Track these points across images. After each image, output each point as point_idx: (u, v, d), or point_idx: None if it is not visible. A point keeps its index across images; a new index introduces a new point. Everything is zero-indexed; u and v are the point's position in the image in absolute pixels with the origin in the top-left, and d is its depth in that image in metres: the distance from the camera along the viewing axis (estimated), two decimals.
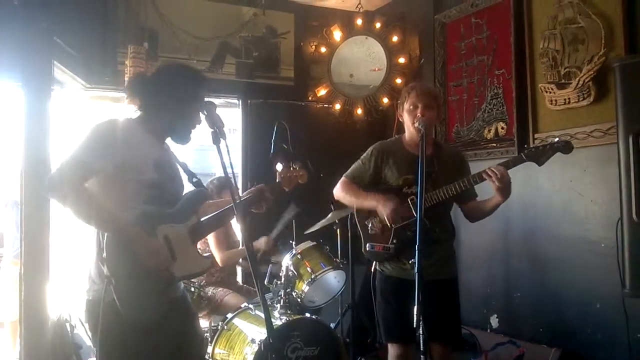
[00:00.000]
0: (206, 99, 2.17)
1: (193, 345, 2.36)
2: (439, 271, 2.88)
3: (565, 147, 2.71)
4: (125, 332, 2.04)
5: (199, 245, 3.99)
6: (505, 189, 2.69)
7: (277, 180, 2.69)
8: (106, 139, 2.08)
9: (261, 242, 4.02)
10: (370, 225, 3.02)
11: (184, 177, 2.39)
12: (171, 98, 2.20)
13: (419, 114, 2.84)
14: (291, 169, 2.72)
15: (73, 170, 2.01)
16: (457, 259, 3.09)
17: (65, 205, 2.01)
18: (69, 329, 3.65)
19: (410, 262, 2.78)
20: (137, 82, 2.36)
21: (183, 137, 2.30)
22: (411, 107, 2.89)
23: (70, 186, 1.98)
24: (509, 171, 2.71)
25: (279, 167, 2.73)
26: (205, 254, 2.43)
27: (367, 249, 3.04)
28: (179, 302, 2.29)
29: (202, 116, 2.11)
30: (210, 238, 3.97)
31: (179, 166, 2.38)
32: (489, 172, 2.68)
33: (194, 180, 2.38)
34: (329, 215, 3.90)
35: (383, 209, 2.88)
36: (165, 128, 2.27)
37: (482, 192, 2.95)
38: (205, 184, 2.61)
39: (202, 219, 2.31)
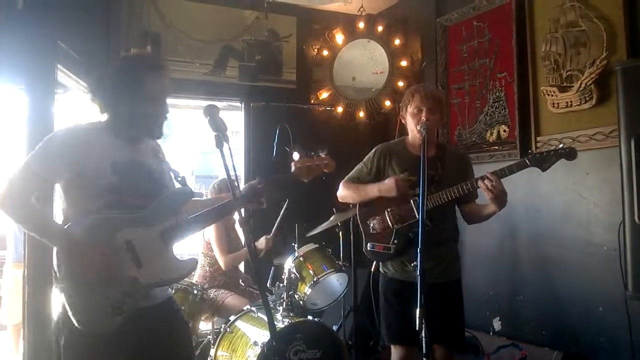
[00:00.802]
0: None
1: (173, 355, 2.20)
2: (442, 273, 2.88)
3: (569, 154, 2.71)
4: (82, 344, 2.01)
5: (201, 248, 4.05)
6: (498, 198, 2.69)
7: (292, 171, 2.38)
8: (59, 147, 2.03)
9: (261, 242, 4.04)
10: (371, 225, 3.02)
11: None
12: (122, 94, 2.09)
13: (423, 118, 2.84)
14: (313, 157, 2.44)
15: (22, 184, 1.98)
16: (460, 261, 3.09)
17: (15, 220, 2.04)
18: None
19: (412, 264, 2.78)
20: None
21: (151, 132, 2.20)
22: (415, 110, 2.89)
23: (19, 202, 1.97)
24: (512, 176, 2.72)
25: (296, 155, 2.47)
26: (189, 257, 2.23)
27: (368, 248, 3.05)
28: (154, 310, 2.12)
29: (206, 118, 2.06)
30: (213, 243, 3.99)
31: (163, 166, 2.26)
32: (482, 184, 2.69)
33: (178, 179, 2.28)
34: (331, 218, 3.91)
35: (386, 187, 2.87)
36: (127, 127, 2.13)
37: (482, 197, 2.95)
38: (208, 187, 2.57)
39: (180, 220, 2.16)
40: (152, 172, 2.19)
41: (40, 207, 2.04)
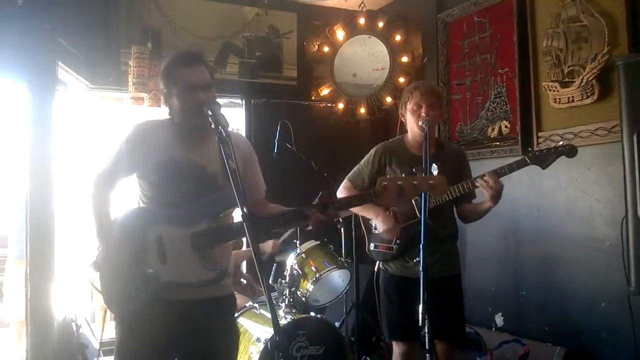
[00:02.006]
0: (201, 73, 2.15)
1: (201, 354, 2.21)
2: (443, 268, 2.88)
3: (570, 151, 2.72)
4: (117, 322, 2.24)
5: None
6: (497, 195, 2.71)
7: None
8: (128, 142, 2.22)
9: (268, 245, 4.02)
10: (374, 225, 3.02)
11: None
12: (168, 92, 2.19)
13: (423, 114, 2.83)
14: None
15: (102, 176, 2.26)
16: (462, 257, 3.09)
17: (89, 206, 2.26)
18: (74, 329, 3.67)
19: (414, 260, 2.78)
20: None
21: (194, 125, 2.18)
22: (415, 107, 2.86)
23: (97, 193, 2.25)
24: (513, 173, 2.73)
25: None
26: (212, 269, 2.14)
27: (371, 248, 3.05)
28: (185, 305, 2.14)
29: (208, 114, 2.05)
30: None
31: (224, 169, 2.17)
32: (482, 182, 2.70)
33: (263, 190, 2.37)
34: None
35: (381, 226, 2.90)
36: (178, 125, 2.21)
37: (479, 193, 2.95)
38: None
39: (212, 227, 2.15)
40: (203, 174, 2.20)
41: (110, 197, 2.27)
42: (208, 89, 2.16)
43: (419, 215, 2.79)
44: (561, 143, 2.75)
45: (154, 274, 2.09)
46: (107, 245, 2.16)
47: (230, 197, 2.09)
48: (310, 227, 2.16)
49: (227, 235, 2.21)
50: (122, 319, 2.21)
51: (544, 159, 2.73)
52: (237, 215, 2.23)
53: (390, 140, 3.14)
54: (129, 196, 2.43)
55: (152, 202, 2.22)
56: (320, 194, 2.14)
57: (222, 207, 2.18)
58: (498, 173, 2.72)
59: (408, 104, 2.90)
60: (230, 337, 2.33)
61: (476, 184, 2.73)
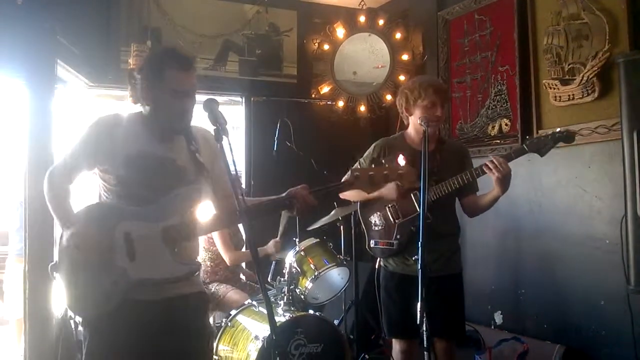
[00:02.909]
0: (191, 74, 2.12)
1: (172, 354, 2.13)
2: (444, 267, 2.86)
3: (567, 137, 2.69)
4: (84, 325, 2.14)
5: (203, 243, 4.04)
6: (504, 180, 2.65)
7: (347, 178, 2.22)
8: (94, 135, 2.13)
9: (270, 247, 4.00)
10: (374, 221, 3.01)
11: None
12: (147, 88, 2.12)
13: (438, 113, 2.81)
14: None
15: (61, 170, 2.16)
16: (462, 255, 3.08)
17: (47, 200, 2.16)
18: (73, 326, 3.66)
19: (414, 258, 2.77)
20: (128, 75, 2.25)
21: (174, 128, 2.16)
22: (429, 104, 2.81)
23: (57, 186, 2.15)
24: (512, 163, 2.70)
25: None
26: (185, 263, 2.12)
27: (371, 245, 3.04)
28: (154, 305, 2.08)
29: (205, 113, 2.02)
30: (216, 238, 3.97)
31: (194, 163, 2.18)
32: (489, 164, 2.65)
33: (237, 176, 2.28)
34: (332, 212, 3.90)
35: (387, 190, 2.80)
36: (153, 120, 2.15)
37: (481, 187, 2.94)
38: None
39: (185, 220, 2.10)
40: (173, 167, 2.15)
41: (70, 190, 2.16)
42: (194, 95, 2.16)
43: (418, 210, 2.79)
44: (558, 129, 2.72)
45: (122, 272, 2.02)
46: (70, 242, 2.05)
47: (200, 190, 2.14)
48: (294, 212, 2.17)
49: (200, 228, 2.18)
50: (90, 323, 2.11)
51: (542, 146, 2.70)
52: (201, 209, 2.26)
53: (390, 136, 3.14)
54: (85, 191, 2.37)
55: (118, 197, 2.12)
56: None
57: (193, 201, 2.15)
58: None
59: (420, 100, 2.83)
60: (205, 335, 2.28)
61: (484, 168, 2.67)
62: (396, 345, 2.97)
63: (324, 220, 3.93)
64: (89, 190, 2.33)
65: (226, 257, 3.93)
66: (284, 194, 2.16)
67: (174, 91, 2.09)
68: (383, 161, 2.75)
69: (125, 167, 2.08)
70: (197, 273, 2.20)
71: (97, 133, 2.13)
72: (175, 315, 2.13)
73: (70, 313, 3.67)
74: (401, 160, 2.45)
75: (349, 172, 2.98)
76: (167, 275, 2.08)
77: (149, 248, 2.05)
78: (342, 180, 2.28)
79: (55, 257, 2.11)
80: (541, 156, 2.72)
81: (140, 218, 2.06)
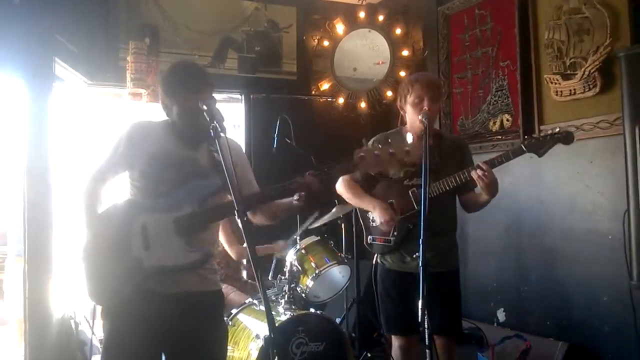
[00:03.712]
0: (203, 94, 2.13)
1: (186, 349, 2.21)
2: (440, 263, 2.84)
3: (566, 138, 2.67)
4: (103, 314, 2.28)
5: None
6: (490, 186, 2.66)
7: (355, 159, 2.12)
8: (124, 140, 2.26)
9: (277, 247, 3.97)
10: (371, 217, 3.00)
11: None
12: (167, 98, 2.22)
13: (425, 107, 2.79)
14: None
15: (96, 175, 2.29)
16: (463, 252, 3.07)
17: (80, 202, 2.28)
18: (73, 326, 3.66)
19: (414, 255, 2.76)
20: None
21: (197, 136, 2.23)
22: (416, 100, 2.82)
23: (90, 191, 2.27)
24: (515, 167, 2.68)
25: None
26: (196, 251, 2.18)
27: (369, 241, 3.04)
28: (168, 298, 2.16)
29: (203, 110, 2.05)
30: (220, 234, 3.95)
31: (214, 162, 2.23)
32: (473, 174, 2.66)
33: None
34: (333, 210, 3.88)
35: (378, 216, 2.87)
36: (175, 127, 2.25)
37: None
38: None
39: (195, 211, 2.18)
40: (190, 163, 2.24)
41: (102, 195, 2.29)
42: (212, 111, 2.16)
43: (416, 207, 2.78)
44: (557, 130, 2.70)
45: (137, 262, 2.12)
46: (93, 237, 2.19)
47: (215, 184, 2.19)
48: (297, 199, 2.21)
49: (211, 217, 2.24)
50: (108, 312, 2.23)
51: (540, 146, 2.68)
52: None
53: (388, 132, 3.12)
54: (119, 194, 2.43)
55: (141, 193, 2.24)
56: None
57: (206, 192, 2.21)
58: (494, 163, 2.68)
59: (408, 96, 2.85)
60: (219, 334, 2.34)
61: (472, 174, 2.69)
62: (395, 342, 2.97)
63: (325, 219, 3.91)
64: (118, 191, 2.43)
65: (231, 252, 3.92)
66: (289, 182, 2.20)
67: (189, 109, 2.15)
68: (390, 140, 2.73)
69: (149, 164, 2.21)
70: (209, 261, 2.25)
71: (129, 136, 2.26)
72: (190, 310, 2.19)
73: (70, 313, 3.67)
74: (409, 137, 2.44)
75: (354, 153, 2.98)
76: (177, 263, 2.16)
77: (162, 237, 2.14)
78: (350, 161, 2.22)
79: (79, 252, 2.22)
80: (539, 157, 2.70)
81: (157, 210, 2.17)
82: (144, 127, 2.31)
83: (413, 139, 2.69)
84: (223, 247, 3.96)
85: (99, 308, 2.55)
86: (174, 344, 2.20)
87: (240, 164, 2.31)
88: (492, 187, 2.66)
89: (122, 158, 2.25)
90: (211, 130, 1.98)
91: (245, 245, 3.93)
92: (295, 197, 2.22)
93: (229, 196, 2.25)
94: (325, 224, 3.99)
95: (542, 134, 2.74)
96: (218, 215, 2.26)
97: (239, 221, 1.90)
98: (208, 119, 2.00)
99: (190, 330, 2.21)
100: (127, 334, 2.15)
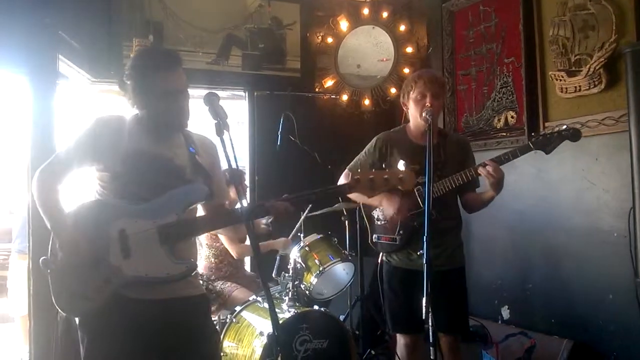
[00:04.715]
0: (174, 74, 2.09)
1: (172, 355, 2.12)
2: (447, 261, 2.85)
3: (574, 135, 2.67)
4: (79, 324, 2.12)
5: (205, 240, 4.02)
6: (498, 183, 2.66)
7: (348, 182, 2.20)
8: (91, 134, 2.12)
9: (279, 243, 3.98)
10: (376, 216, 2.99)
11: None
12: (138, 91, 2.11)
13: (427, 104, 2.78)
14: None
15: (54, 167, 2.11)
16: (468, 250, 3.06)
17: (36, 199, 2.10)
18: (77, 323, 3.65)
19: (419, 253, 2.75)
20: (119, 78, 2.23)
21: (171, 127, 2.16)
22: (419, 96, 2.82)
23: (47, 184, 2.09)
24: (520, 164, 2.67)
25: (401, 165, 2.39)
26: (181, 262, 2.08)
27: (374, 240, 3.04)
28: (153, 306, 2.06)
29: (206, 107, 2.02)
30: (220, 231, 3.95)
31: (193, 162, 2.17)
32: (481, 170, 2.66)
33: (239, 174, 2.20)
34: (336, 205, 3.88)
35: (387, 207, 2.85)
36: (148, 121, 2.14)
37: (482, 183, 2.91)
38: None
39: (182, 219, 2.08)
40: (170, 166, 2.14)
41: (60, 190, 2.11)
42: (186, 92, 2.14)
43: (422, 206, 2.77)
44: (564, 127, 2.69)
45: (115, 270, 2.00)
46: (61, 241, 2.04)
47: (198, 190, 2.13)
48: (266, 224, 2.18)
49: (197, 228, 2.18)
50: (85, 324, 2.09)
51: (547, 144, 2.68)
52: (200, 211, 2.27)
53: (391, 130, 3.10)
54: (78, 190, 2.33)
55: (113, 195, 2.11)
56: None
57: (190, 200, 2.14)
58: (501, 160, 2.68)
59: (411, 93, 2.86)
60: (207, 340, 2.23)
61: (478, 171, 2.68)
62: (400, 340, 2.97)
63: (326, 209, 3.90)
64: (79, 189, 2.31)
65: (232, 251, 3.92)
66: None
67: (163, 92, 2.08)
68: (384, 165, 2.82)
69: (122, 165, 2.07)
70: (193, 273, 2.17)
71: (95, 131, 2.12)
72: (174, 316, 2.10)
73: None
74: (401, 165, 2.48)
75: (349, 174, 2.98)
76: (161, 275, 2.05)
77: (144, 246, 2.03)
78: (343, 182, 2.28)
79: (48, 254, 2.07)
80: (546, 154, 2.70)
81: (136, 216, 2.05)
82: (112, 122, 2.16)
83: (419, 143, 2.71)
84: (224, 245, 3.97)
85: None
86: (160, 353, 2.09)
87: (216, 166, 2.25)
88: (500, 183, 2.66)
89: (88, 155, 2.10)
90: (215, 127, 1.95)
91: (245, 245, 3.97)
92: (263, 221, 2.22)
93: (214, 202, 2.24)
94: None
95: (549, 131, 2.73)
96: (209, 225, 2.18)
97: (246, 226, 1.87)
98: (212, 116, 1.98)
99: (176, 338, 2.11)
100: (108, 347, 2.02)
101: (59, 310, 2.07)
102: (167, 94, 2.08)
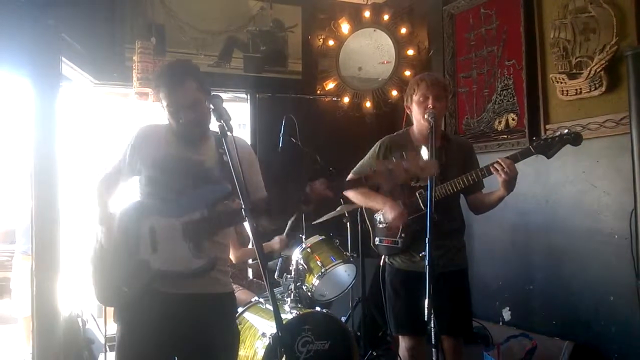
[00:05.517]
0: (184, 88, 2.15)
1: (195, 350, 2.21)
2: (449, 263, 2.85)
3: (575, 139, 2.66)
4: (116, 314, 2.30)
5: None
6: (510, 182, 2.65)
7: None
8: (128, 146, 2.30)
9: (275, 242, 4.00)
10: (379, 219, 3.00)
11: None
12: (162, 98, 2.21)
13: (430, 106, 2.79)
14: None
15: (106, 180, 2.33)
16: (469, 251, 3.06)
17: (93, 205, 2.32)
18: (80, 325, 3.67)
19: (421, 255, 2.75)
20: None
21: (191, 135, 2.24)
22: (421, 98, 2.83)
23: (104, 194, 2.31)
24: (521, 166, 2.68)
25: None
26: (201, 257, 2.17)
27: (376, 242, 3.03)
28: (179, 298, 2.17)
29: (188, 106, 2.13)
30: None
31: (220, 164, 2.25)
32: (497, 166, 2.65)
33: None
34: (338, 209, 3.89)
35: (388, 214, 2.86)
36: (173, 127, 2.24)
37: (487, 185, 2.91)
38: None
39: (205, 216, 2.17)
40: (199, 169, 2.25)
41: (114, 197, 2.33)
42: (196, 107, 2.17)
43: (424, 209, 2.78)
44: (566, 131, 2.69)
45: (144, 263, 2.14)
46: (102, 239, 2.23)
47: (224, 188, 2.19)
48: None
49: (220, 224, 2.22)
50: (120, 314, 2.26)
51: (549, 148, 2.67)
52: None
53: (395, 133, 3.11)
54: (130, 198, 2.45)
55: (148, 196, 2.27)
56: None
57: (215, 197, 2.21)
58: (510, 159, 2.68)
59: (414, 95, 2.86)
60: (230, 337, 2.33)
61: (491, 169, 2.67)
62: (403, 342, 2.96)
63: (329, 215, 3.91)
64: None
65: (232, 255, 3.93)
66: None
67: (174, 107, 2.18)
68: (404, 154, 2.73)
69: (154, 169, 2.24)
70: (215, 267, 2.23)
71: (135, 140, 2.29)
72: (199, 311, 2.21)
73: (77, 311, 3.68)
74: (424, 152, 2.47)
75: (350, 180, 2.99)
76: (182, 268, 2.16)
77: (170, 241, 2.15)
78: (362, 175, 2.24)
79: (87, 252, 2.28)
80: (548, 158, 2.69)
81: (165, 213, 2.18)
82: (149, 132, 2.33)
83: (422, 146, 2.70)
84: None
85: (109, 308, 2.55)
86: (185, 345, 2.20)
87: (247, 164, 2.29)
88: (513, 181, 2.65)
89: (129, 166, 2.29)
90: (219, 129, 1.98)
91: (244, 247, 3.98)
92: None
93: (239, 201, 2.27)
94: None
95: (550, 135, 2.73)
96: (227, 222, 2.25)
97: (247, 223, 1.91)
98: (215, 118, 2.01)
99: (200, 332, 2.21)
100: (138, 336, 2.17)
101: (98, 302, 2.30)
102: (179, 108, 2.17)
